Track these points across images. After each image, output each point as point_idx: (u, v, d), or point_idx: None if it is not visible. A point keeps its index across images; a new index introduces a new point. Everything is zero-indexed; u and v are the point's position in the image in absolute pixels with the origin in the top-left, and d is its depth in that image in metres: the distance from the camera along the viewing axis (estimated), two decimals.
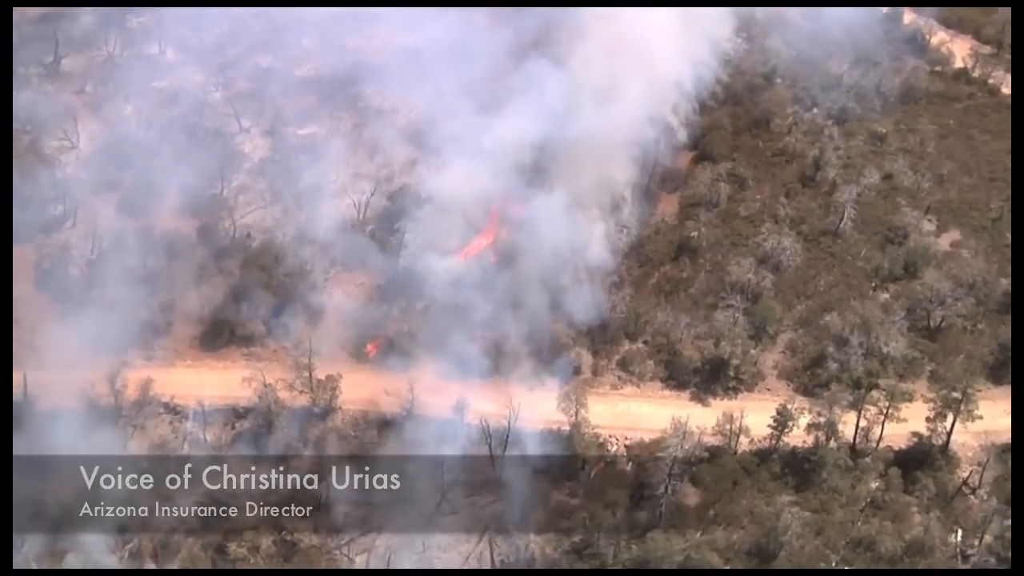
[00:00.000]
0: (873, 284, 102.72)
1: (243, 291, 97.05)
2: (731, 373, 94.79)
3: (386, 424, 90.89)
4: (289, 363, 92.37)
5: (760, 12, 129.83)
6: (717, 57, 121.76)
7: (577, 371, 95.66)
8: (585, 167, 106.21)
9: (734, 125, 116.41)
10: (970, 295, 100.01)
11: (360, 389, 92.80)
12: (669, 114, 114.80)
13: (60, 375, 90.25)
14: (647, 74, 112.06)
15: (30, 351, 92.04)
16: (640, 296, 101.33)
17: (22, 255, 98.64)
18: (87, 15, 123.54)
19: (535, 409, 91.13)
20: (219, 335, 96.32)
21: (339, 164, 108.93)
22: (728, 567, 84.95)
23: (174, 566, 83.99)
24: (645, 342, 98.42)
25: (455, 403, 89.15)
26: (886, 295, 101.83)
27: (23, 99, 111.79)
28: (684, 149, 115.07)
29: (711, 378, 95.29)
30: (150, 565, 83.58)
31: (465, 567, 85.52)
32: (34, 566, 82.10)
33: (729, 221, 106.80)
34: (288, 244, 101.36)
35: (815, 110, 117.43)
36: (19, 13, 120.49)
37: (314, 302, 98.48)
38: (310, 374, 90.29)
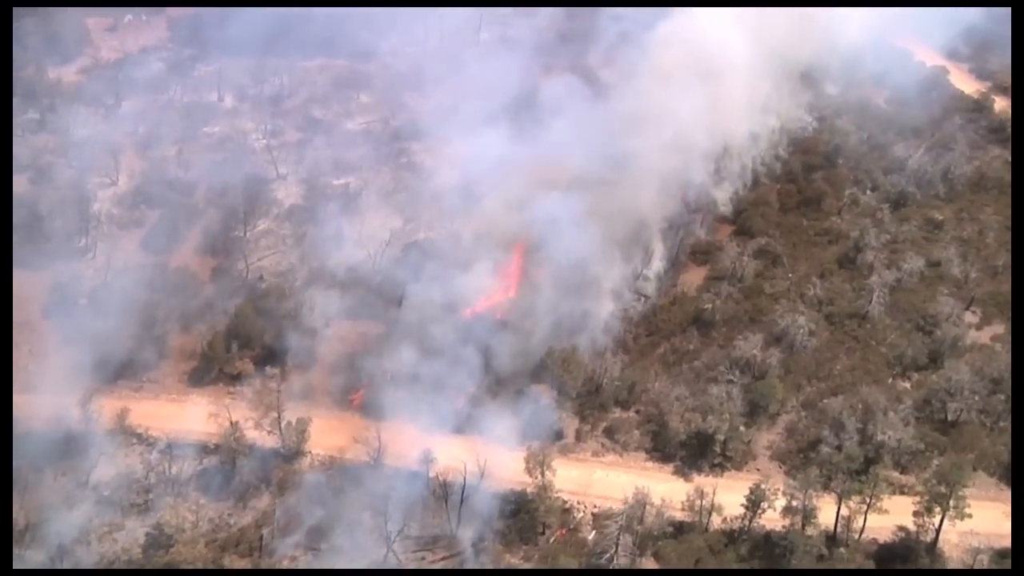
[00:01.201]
0: (894, 372, 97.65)
1: (238, 331, 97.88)
2: (717, 449, 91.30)
3: (350, 471, 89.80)
4: (269, 403, 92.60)
5: (839, 90, 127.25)
6: (783, 134, 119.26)
7: (559, 435, 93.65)
8: (613, 233, 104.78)
9: (782, 202, 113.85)
10: (996, 390, 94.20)
11: (335, 435, 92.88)
12: (714, 186, 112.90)
13: (46, 399, 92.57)
14: (698, 141, 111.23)
15: (23, 374, 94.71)
16: (642, 364, 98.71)
17: (38, 281, 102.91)
18: (157, 62, 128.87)
19: (508, 469, 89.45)
20: (208, 372, 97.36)
21: (366, 214, 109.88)
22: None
23: None
24: (637, 411, 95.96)
25: (420, 455, 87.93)
26: (906, 384, 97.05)
27: (77, 137, 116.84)
28: (726, 223, 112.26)
29: (698, 453, 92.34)
30: None
31: None
32: None
33: (752, 297, 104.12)
34: (296, 289, 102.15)
35: (869, 192, 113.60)
36: (90, 57, 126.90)
37: (309, 346, 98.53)
38: (279, 415, 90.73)
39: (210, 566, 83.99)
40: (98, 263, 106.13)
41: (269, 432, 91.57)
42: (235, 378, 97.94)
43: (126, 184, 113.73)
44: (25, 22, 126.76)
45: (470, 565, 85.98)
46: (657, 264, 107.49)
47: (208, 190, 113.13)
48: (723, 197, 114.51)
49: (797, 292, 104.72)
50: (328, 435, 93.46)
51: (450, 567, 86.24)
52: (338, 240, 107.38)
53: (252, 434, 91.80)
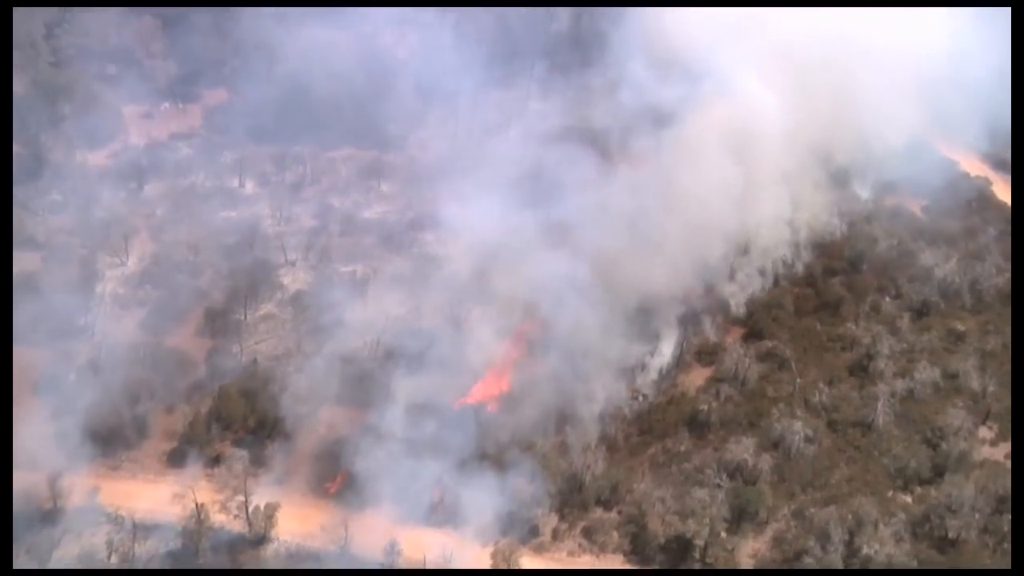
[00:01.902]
0: (896, 484, 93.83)
1: (219, 412, 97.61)
2: (696, 555, 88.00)
3: (314, 560, 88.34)
4: (236, 487, 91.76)
5: (872, 194, 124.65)
6: (808, 236, 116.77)
7: (535, 531, 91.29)
8: (617, 320, 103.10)
9: (798, 306, 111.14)
10: (1002, 509, 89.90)
11: (306, 522, 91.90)
12: (729, 284, 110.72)
13: (22, 474, 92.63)
14: (719, 231, 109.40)
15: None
16: (630, 464, 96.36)
17: (34, 358, 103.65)
18: (185, 148, 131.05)
19: (477, 563, 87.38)
20: (187, 453, 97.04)
21: (369, 301, 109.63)
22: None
23: None
24: (619, 512, 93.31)
25: (386, 546, 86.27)
26: (907, 498, 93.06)
27: (96, 219, 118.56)
28: (737, 324, 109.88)
29: (677, 557, 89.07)
30: None
31: None
32: None
33: (753, 400, 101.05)
34: (287, 374, 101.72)
35: (887, 299, 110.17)
36: (121, 142, 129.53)
37: (290, 431, 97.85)
38: (246, 499, 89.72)
39: None
40: (95, 341, 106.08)
41: (236, 516, 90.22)
42: (215, 460, 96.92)
43: (135, 265, 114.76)
44: (62, 108, 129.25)
45: None
46: (660, 360, 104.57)
47: (215, 273, 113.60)
48: (737, 298, 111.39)
49: (801, 397, 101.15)
50: (299, 522, 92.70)
51: None
52: (336, 326, 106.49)
53: (219, 517, 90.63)
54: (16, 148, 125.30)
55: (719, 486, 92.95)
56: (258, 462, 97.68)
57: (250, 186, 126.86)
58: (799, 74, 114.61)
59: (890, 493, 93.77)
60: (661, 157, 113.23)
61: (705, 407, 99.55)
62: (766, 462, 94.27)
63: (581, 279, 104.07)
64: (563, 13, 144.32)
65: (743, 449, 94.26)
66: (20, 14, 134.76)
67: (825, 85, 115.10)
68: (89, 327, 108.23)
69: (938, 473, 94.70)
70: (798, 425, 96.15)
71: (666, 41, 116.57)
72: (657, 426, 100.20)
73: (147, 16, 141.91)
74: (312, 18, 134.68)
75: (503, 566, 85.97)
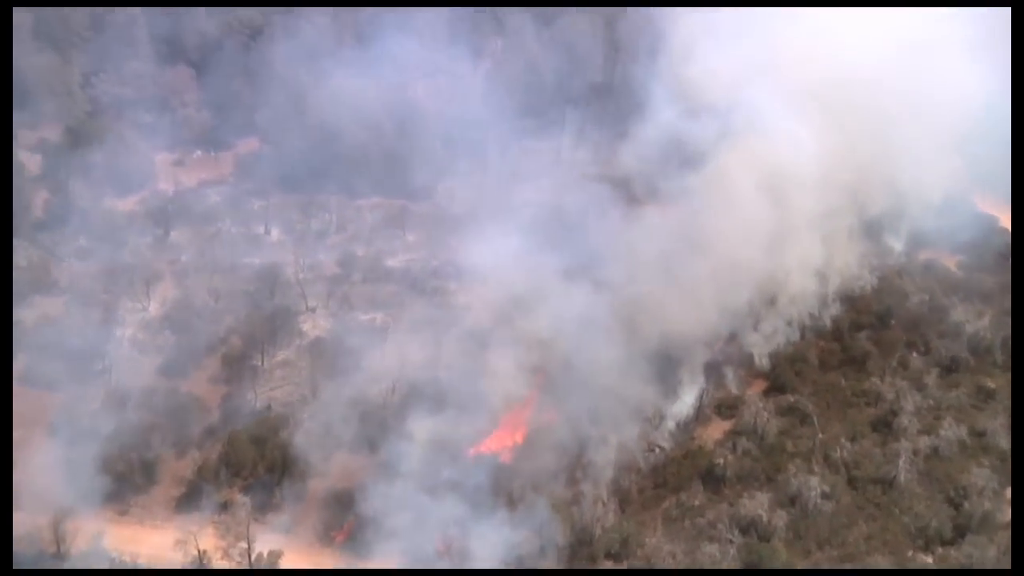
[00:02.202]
0: (916, 544, 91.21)
1: (228, 458, 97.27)
2: None
3: None
4: (239, 534, 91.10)
5: (906, 248, 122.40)
6: (838, 290, 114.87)
7: None
8: (634, 380, 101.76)
9: (823, 360, 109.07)
10: None
11: None
12: (753, 338, 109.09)
13: (27, 517, 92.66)
14: (746, 277, 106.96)
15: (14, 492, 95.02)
16: (642, 518, 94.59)
17: (48, 402, 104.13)
18: (215, 196, 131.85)
19: None
20: (196, 499, 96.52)
21: (387, 349, 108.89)
22: None
23: None
24: (629, 567, 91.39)
25: None
26: (928, 558, 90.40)
27: (120, 264, 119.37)
28: (760, 376, 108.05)
29: None
30: None
31: None
32: None
33: (772, 455, 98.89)
34: (300, 420, 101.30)
35: (915, 355, 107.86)
36: (151, 190, 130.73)
37: (300, 478, 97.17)
38: (248, 546, 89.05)
39: None
40: (111, 385, 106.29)
41: (238, 563, 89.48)
42: (223, 506, 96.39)
43: (156, 310, 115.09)
44: (95, 155, 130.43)
45: None
46: (678, 411, 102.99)
47: (235, 319, 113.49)
48: (761, 349, 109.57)
49: (822, 453, 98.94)
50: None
51: None
52: (353, 372, 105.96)
53: (222, 564, 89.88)
54: (46, 195, 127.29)
55: (731, 542, 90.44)
56: (265, 508, 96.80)
57: (276, 233, 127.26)
58: (835, 116, 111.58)
59: (910, 553, 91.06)
60: (690, 199, 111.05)
61: (721, 461, 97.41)
62: (781, 518, 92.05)
63: (603, 323, 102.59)
64: (596, 61, 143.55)
65: (757, 504, 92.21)
66: (58, 62, 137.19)
67: (861, 129, 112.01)
68: (107, 371, 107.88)
69: (960, 534, 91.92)
70: (815, 481, 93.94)
71: (698, 81, 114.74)
72: (672, 479, 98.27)
73: (181, 65, 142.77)
74: (344, 67, 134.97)
75: None
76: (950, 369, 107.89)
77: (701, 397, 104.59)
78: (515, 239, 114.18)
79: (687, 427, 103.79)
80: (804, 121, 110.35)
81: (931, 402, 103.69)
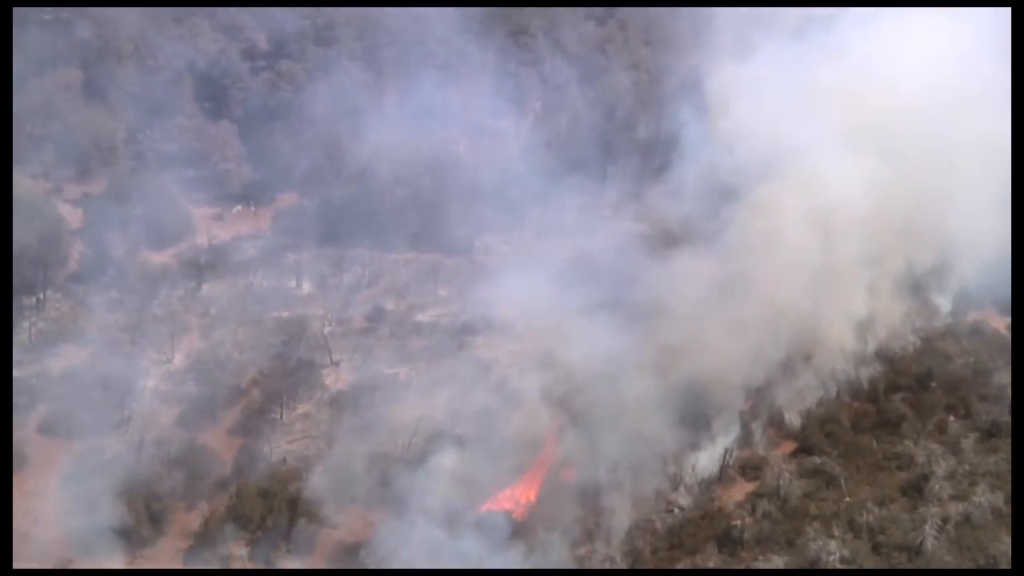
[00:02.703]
0: None
1: (236, 511, 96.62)
2: None
3: None
4: None
5: (953, 308, 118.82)
6: (877, 348, 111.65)
7: None
8: (655, 431, 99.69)
9: (855, 422, 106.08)
10: None
11: None
12: (785, 395, 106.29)
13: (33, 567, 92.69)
14: (778, 344, 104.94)
15: (22, 541, 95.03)
16: None
17: (67, 449, 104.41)
18: (250, 249, 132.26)
19: None
20: (201, 552, 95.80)
21: (409, 404, 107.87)
22: None
23: None
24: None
25: None
26: None
27: (149, 316, 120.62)
28: (790, 438, 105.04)
29: None
30: None
31: None
32: None
33: (794, 519, 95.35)
34: (312, 474, 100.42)
35: (953, 419, 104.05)
36: (188, 243, 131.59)
37: (309, 532, 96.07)
38: None
39: None
40: (128, 436, 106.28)
41: None
42: (225, 559, 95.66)
43: (180, 362, 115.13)
44: (134, 210, 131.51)
45: None
46: (700, 471, 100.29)
47: (258, 372, 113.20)
48: (792, 409, 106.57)
49: (847, 517, 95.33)
50: None
51: None
52: (372, 427, 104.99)
53: None
54: (83, 247, 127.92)
55: None
56: (271, 562, 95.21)
57: (307, 287, 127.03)
58: (885, 156, 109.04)
59: None
60: (731, 239, 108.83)
61: (739, 522, 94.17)
62: None
63: (632, 370, 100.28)
64: (638, 116, 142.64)
65: (770, 564, 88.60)
66: (104, 116, 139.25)
67: (913, 172, 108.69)
68: (125, 422, 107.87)
69: None
70: (834, 545, 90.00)
71: (741, 123, 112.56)
72: (688, 541, 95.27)
73: (224, 121, 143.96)
74: (385, 121, 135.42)
75: None
76: (991, 434, 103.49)
77: (725, 456, 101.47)
78: (545, 290, 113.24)
79: (708, 487, 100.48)
80: (853, 160, 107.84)
81: (966, 467, 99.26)
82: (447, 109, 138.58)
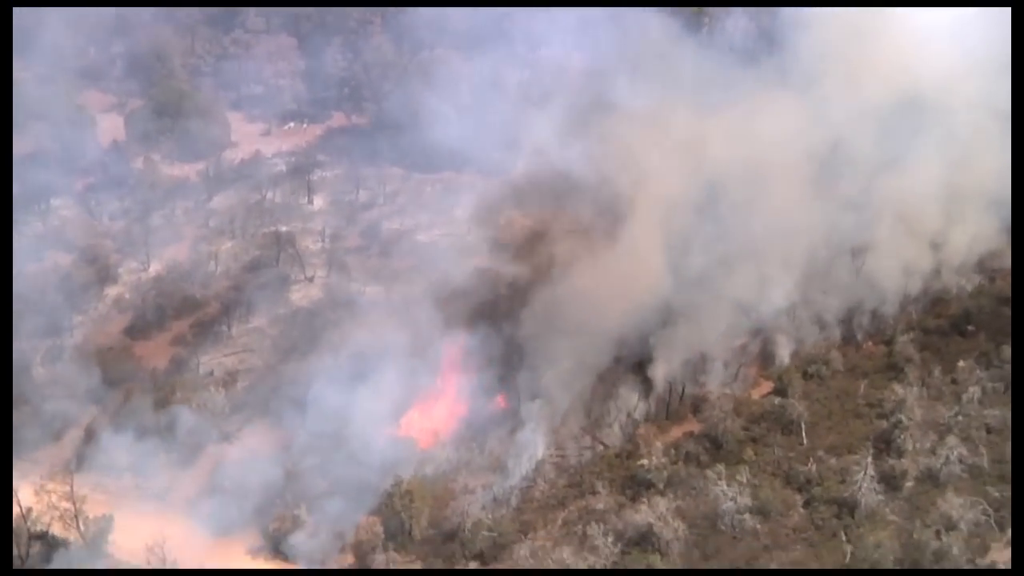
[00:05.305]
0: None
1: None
2: None
3: None
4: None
5: None
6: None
7: None
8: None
9: (854, 364, 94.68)
10: None
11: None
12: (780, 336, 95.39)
13: None
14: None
15: None
16: (530, 519, 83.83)
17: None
18: (282, 165, 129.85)
19: None
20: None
21: (365, 322, 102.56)
22: None
23: None
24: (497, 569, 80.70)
25: None
26: None
27: (145, 226, 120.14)
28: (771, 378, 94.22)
29: None
30: None
31: None
32: None
33: (727, 463, 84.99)
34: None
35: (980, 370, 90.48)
36: (218, 156, 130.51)
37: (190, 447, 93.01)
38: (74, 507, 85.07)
39: None
40: (75, 341, 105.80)
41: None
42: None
43: (154, 271, 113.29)
44: (176, 122, 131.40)
45: None
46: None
47: (226, 285, 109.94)
48: (785, 350, 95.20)
49: (785, 467, 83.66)
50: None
51: None
52: (313, 346, 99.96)
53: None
54: (104, 158, 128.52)
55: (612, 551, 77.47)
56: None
57: (319, 203, 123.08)
58: None
59: None
60: None
61: (645, 462, 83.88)
62: (680, 530, 77.65)
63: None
64: None
65: (644, 516, 78.73)
66: (168, 31, 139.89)
67: None
68: (76, 327, 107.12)
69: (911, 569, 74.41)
70: (731, 490, 78.76)
71: None
72: (588, 480, 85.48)
73: (284, 35, 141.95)
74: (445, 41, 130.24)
75: None
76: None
77: (670, 394, 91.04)
78: None
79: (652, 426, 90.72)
80: None
81: (961, 419, 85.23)
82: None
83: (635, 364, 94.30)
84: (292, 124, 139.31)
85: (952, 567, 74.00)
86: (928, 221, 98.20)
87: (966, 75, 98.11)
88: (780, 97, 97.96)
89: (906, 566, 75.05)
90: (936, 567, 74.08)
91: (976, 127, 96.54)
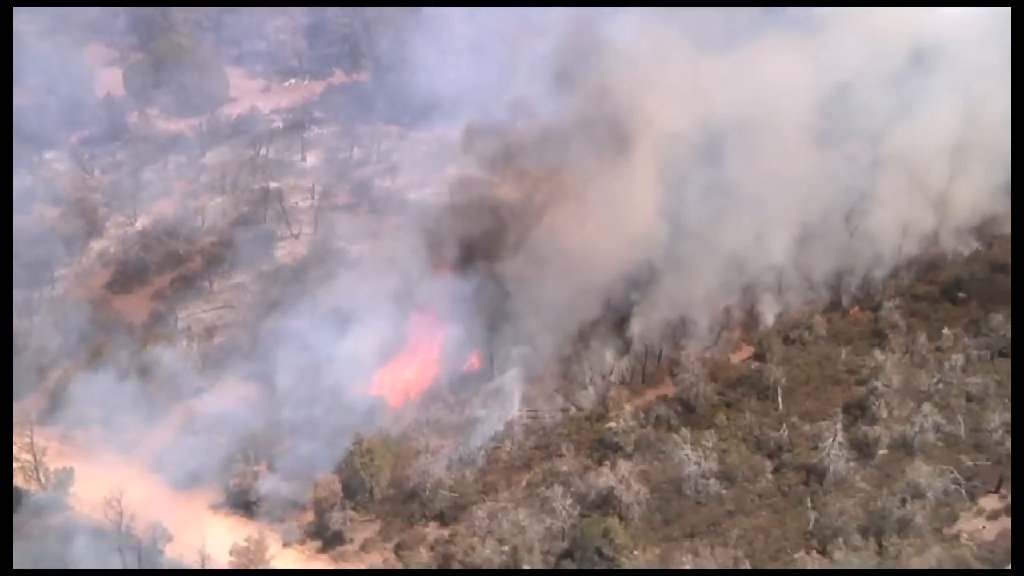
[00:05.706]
0: (809, 545, 73.88)
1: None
2: None
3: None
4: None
5: None
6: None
7: (339, 539, 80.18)
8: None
9: (838, 330, 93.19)
10: None
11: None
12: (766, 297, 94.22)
13: None
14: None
15: None
16: (498, 480, 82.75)
17: None
18: (279, 121, 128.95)
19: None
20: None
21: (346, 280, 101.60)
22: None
23: None
24: (452, 531, 79.64)
25: None
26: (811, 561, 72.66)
27: (136, 181, 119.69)
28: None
29: None
30: None
31: None
32: None
33: (696, 428, 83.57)
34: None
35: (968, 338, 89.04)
36: (216, 111, 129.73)
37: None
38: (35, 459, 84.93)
39: None
40: (55, 293, 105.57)
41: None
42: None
43: (140, 226, 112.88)
44: (168, 77, 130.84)
45: None
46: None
47: (212, 240, 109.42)
48: (768, 312, 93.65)
49: (757, 432, 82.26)
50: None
51: None
52: (295, 301, 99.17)
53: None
54: (109, 113, 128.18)
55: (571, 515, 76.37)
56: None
57: (312, 160, 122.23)
58: None
59: (798, 555, 72.81)
60: None
61: (613, 425, 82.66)
62: (643, 494, 76.53)
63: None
64: None
65: (608, 480, 77.48)
66: None
67: None
68: (59, 280, 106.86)
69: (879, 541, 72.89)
70: (694, 454, 77.66)
71: None
72: (555, 443, 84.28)
73: None
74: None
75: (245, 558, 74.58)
76: (1002, 354, 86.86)
77: (646, 354, 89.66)
78: None
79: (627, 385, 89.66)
80: None
81: (942, 386, 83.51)
82: None
83: (617, 322, 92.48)
84: (293, 80, 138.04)
85: (916, 536, 72.34)
86: (935, 174, 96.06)
87: (979, 20, 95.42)
88: (786, 42, 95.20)
89: (870, 534, 73.50)
90: (900, 535, 72.39)
91: (987, 76, 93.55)
